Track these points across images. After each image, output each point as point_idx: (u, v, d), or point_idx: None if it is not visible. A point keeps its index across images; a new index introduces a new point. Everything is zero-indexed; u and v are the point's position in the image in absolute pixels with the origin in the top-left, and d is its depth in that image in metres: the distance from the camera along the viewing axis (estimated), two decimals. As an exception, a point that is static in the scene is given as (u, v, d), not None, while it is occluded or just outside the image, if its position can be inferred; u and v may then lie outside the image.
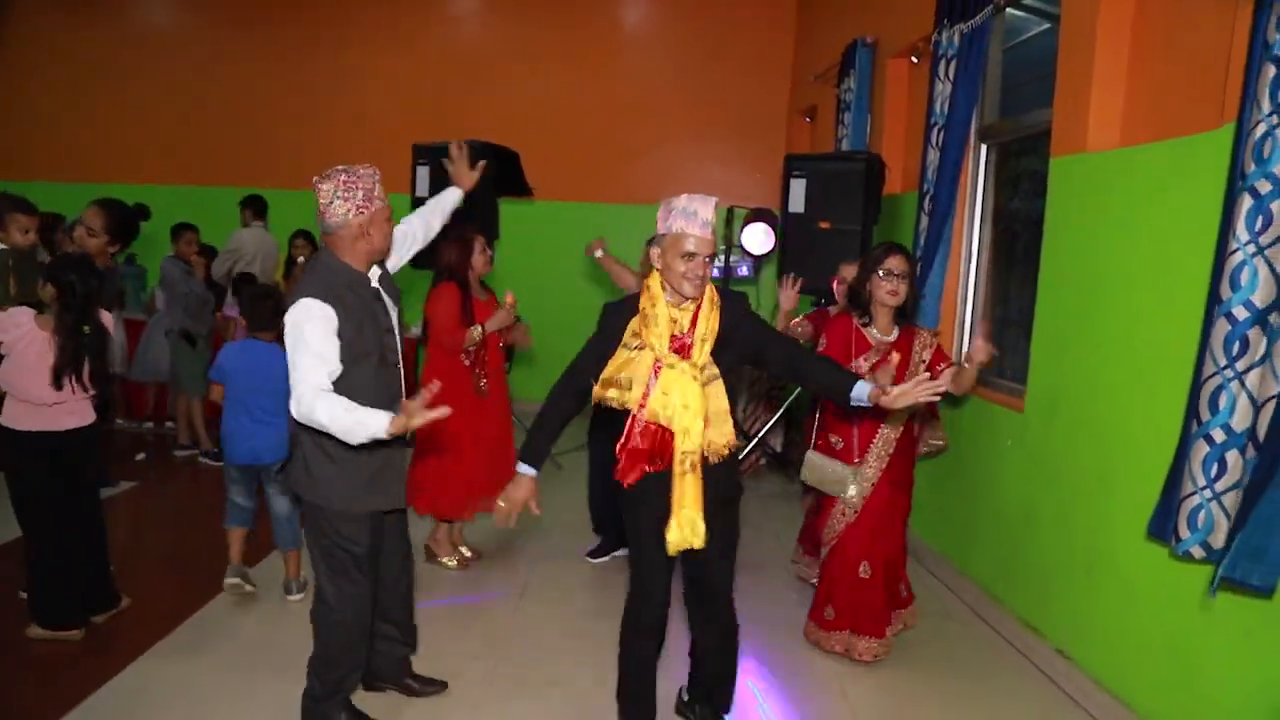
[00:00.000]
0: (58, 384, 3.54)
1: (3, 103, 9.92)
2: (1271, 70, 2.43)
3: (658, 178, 9.24)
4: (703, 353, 2.70)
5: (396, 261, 3.36)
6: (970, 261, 5.13)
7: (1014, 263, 4.93)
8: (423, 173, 6.06)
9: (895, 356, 3.50)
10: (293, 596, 4.26)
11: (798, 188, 5.41)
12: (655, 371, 2.70)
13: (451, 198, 3.71)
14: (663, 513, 2.72)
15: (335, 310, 2.76)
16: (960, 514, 4.79)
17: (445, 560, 4.82)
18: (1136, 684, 3.35)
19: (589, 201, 9.21)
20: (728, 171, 9.27)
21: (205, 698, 3.42)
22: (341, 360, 2.77)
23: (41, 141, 9.76)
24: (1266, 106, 2.45)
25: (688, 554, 2.76)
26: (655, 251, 2.75)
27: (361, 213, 2.81)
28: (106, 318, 3.81)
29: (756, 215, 6.24)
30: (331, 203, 2.80)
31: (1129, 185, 3.48)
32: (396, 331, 3.05)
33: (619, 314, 2.84)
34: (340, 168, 2.82)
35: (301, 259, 7.15)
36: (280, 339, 2.88)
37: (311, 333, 2.71)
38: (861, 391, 2.69)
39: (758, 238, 6.27)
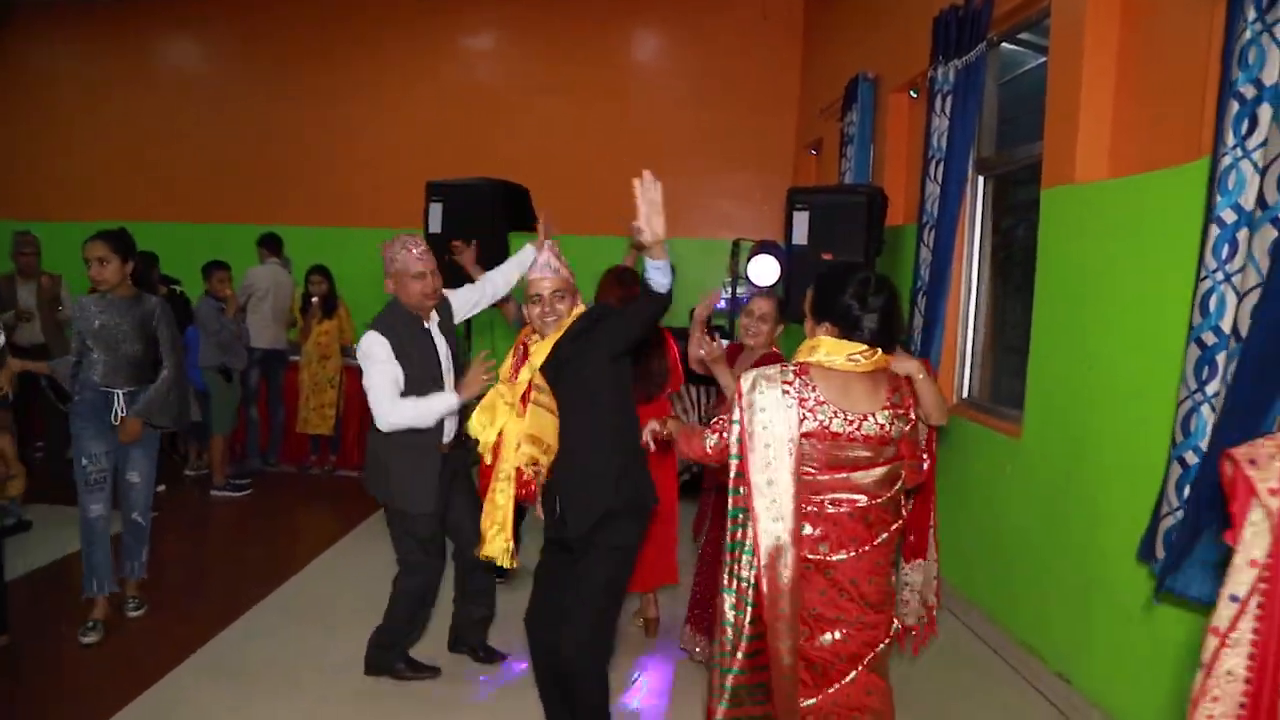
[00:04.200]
0: None
1: (19, 143, 10.21)
2: (1235, 105, 2.54)
3: (667, 211, 9.37)
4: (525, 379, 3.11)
5: (465, 311, 3.96)
6: (970, 291, 5.22)
7: (1021, 290, 5.02)
8: (435, 209, 6.21)
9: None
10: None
11: (800, 220, 5.49)
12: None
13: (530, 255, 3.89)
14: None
15: (389, 339, 3.51)
16: (961, 539, 4.85)
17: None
18: (1133, 708, 3.39)
19: (598, 235, 9.37)
20: (737, 205, 9.42)
21: (230, 716, 3.54)
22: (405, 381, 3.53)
23: (57, 181, 10.05)
24: (1231, 140, 2.55)
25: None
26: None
27: (388, 275, 3.63)
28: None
29: (762, 247, 6.35)
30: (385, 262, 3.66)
31: (1113, 216, 3.58)
32: (449, 365, 3.73)
33: None
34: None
35: (315, 297, 7.31)
36: None
37: (376, 355, 3.48)
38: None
39: (764, 269, 6.39)
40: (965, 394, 5.27)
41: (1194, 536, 2.60)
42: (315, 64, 9.74)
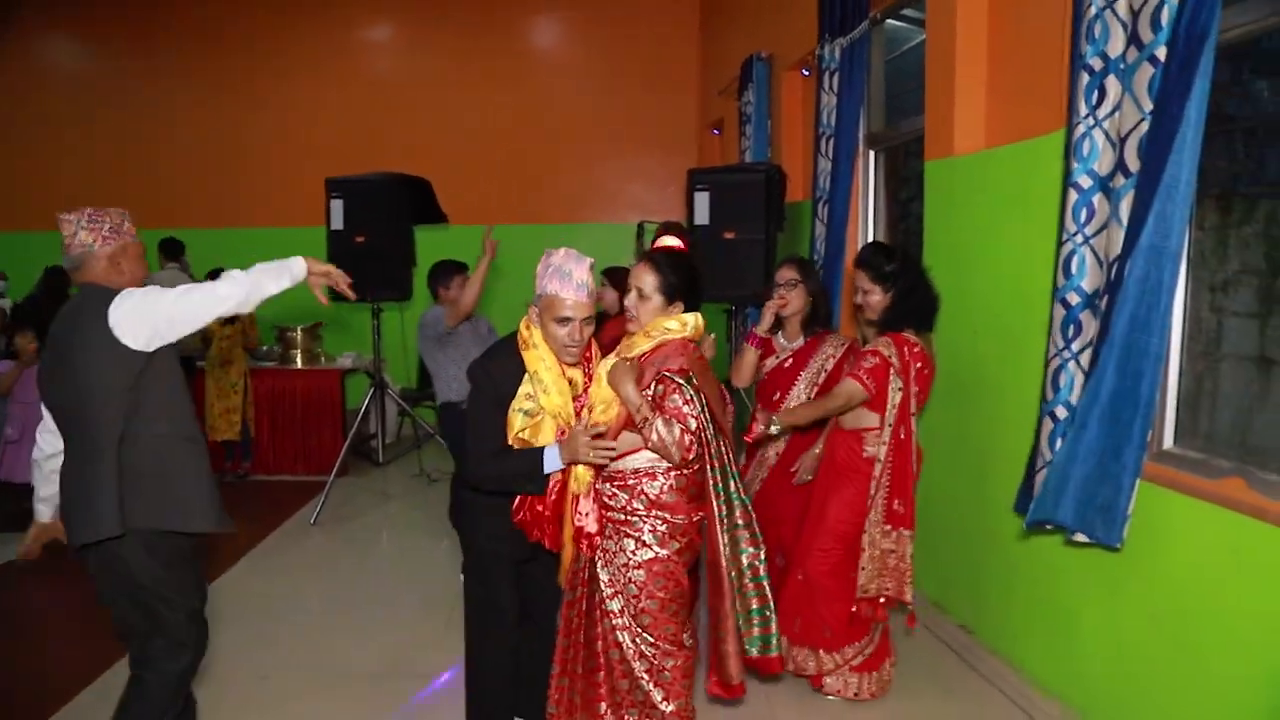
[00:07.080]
0: None
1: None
2: (1085, 77, 2.69)
3: (574, 197, 9.42)
4: (609, 414, 2.59)
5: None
6: (866, 263, 5.37)
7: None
8: (337, 206, 6.15)
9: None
10: None
11: (702, 200, 5.58)
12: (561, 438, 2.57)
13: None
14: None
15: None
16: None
17: None
18: (1025, 651, 3.59)
19: (505, 224, 9.33)
20: (644, 187, 9.49)
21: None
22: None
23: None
24: (1083, 110, 2.70)
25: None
26: (534, 311, 2.63)
27: (109, 243, 2.76)
28: None
29: (666, 228, 6.42)
30: (76, 234, 2.76)
31: (987, 185, 3.75)
32: None
33: (505, 371, 2.63)
34: (86, 209, 2.81)
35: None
36: None
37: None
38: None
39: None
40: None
41: (1099, 480, 2.70)
42: (210, 62, 9.47)
